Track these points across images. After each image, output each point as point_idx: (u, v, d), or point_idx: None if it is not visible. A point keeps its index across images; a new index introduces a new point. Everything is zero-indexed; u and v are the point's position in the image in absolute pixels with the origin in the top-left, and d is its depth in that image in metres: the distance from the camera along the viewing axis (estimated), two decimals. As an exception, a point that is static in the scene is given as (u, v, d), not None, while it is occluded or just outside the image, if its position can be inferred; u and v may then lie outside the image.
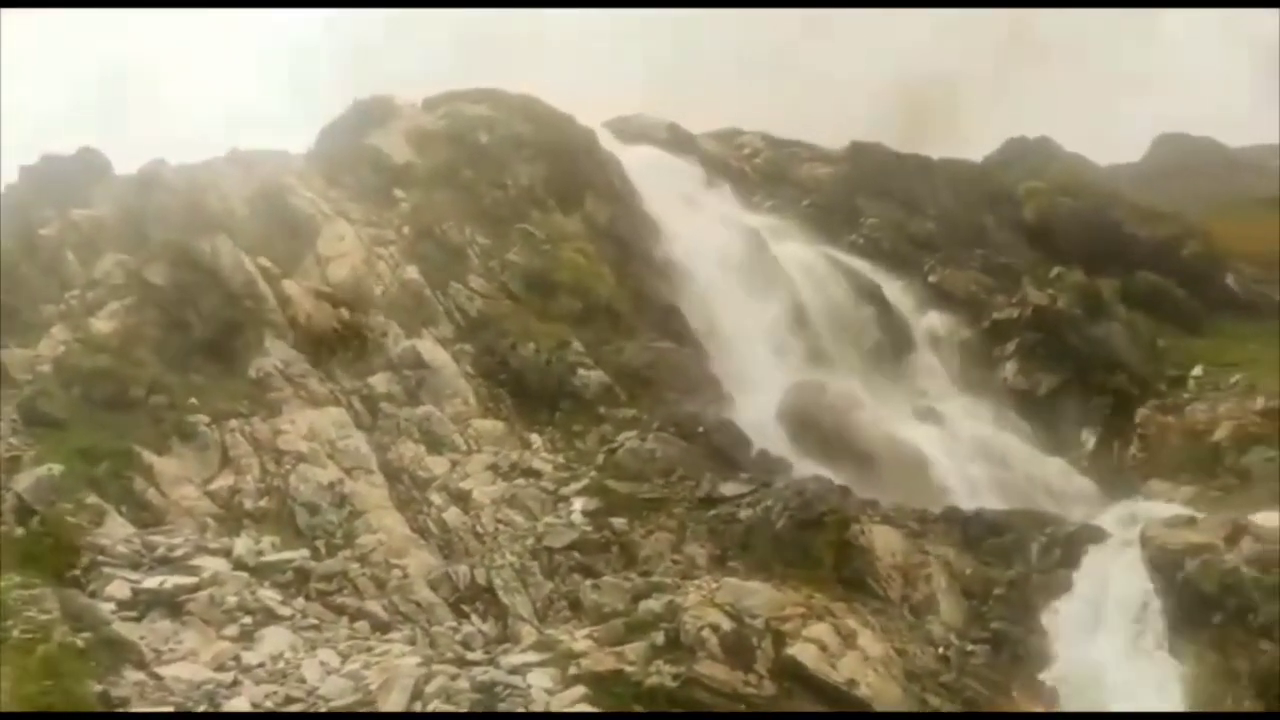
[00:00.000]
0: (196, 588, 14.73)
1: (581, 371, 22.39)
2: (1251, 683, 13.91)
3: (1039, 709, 14.89)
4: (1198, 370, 24.32)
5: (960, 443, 24.13)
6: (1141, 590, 15.65)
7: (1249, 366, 23.80)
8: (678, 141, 31.79)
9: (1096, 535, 17.29)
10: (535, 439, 20.84)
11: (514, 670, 13.64)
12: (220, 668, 13.75)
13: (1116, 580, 16.00)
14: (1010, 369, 25.94)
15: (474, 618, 15.68)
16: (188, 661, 13.70)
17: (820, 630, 14.33)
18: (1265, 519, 16.41)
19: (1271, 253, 34.84)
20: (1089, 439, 24.45)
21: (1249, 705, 13.78)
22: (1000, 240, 29.48)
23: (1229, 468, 21.34)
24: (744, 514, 17.80)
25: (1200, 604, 15.02)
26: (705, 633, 14.06)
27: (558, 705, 12.98)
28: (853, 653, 14.07)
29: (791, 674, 13.65)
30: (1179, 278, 26.95)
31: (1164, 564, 15.55)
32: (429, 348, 21.51)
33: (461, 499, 18.32)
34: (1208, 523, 16.28)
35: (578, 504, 18.37)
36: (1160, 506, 18.78)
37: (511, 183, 25.98)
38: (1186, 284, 26.86)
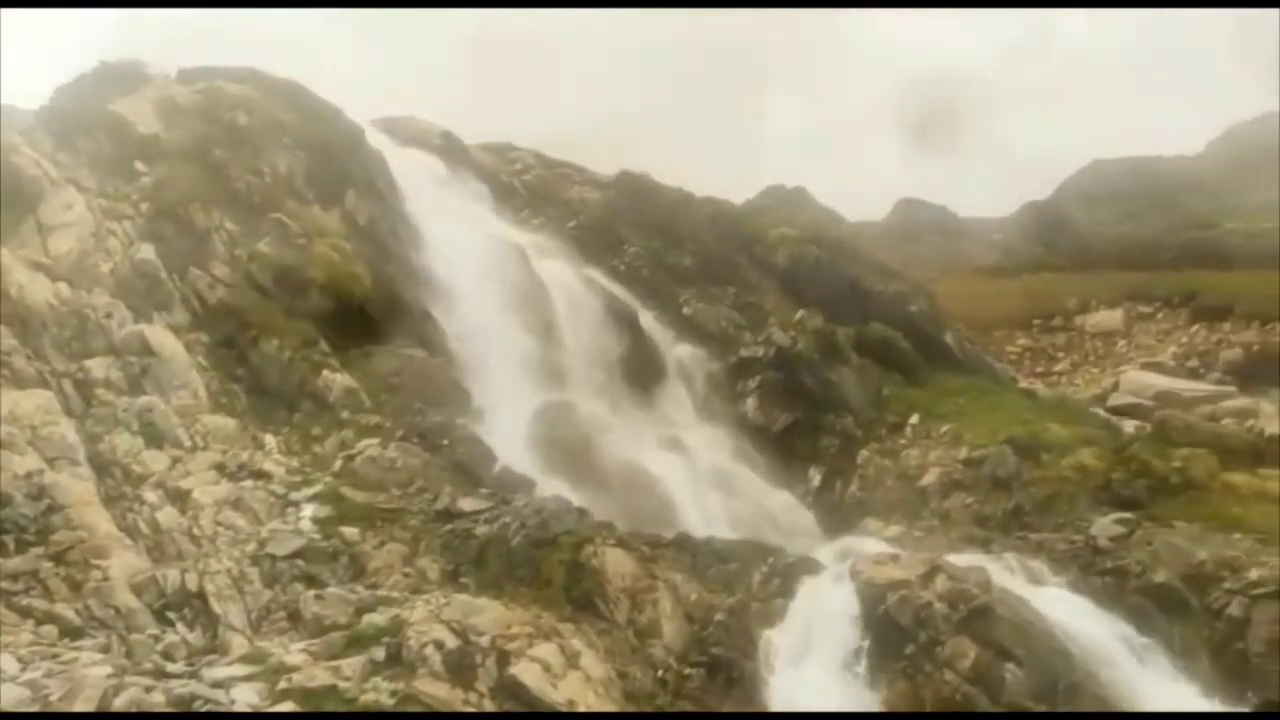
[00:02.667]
0: None
1: (326, 373, 21.61)
2: (934, 709, 15.07)
3: (747, 732, 15.49)
4: (915, 419, 26.24)
5: (699, 472, 24.96)
6: (848, 621, 16.61)
7: (958, 418, 25.92)
8: (450, 149, 31.42)
9: (813, 567, 18.25)
10: (269, 440, 19.88)
11: (217, 684, 12.86)
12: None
13: (827, 611, 16.92)
14: (751, 404, 27.12)
15: (180, 626, 14.68)
16: None
17: (545, 650, 14.36)
18: (959, 559, 17.91)
19: (984, 316, 38.35)
20: (815, 476, 25.89)
21: (930, 731, 14.93)
22: (751, 280, 30.88)
23: (933, 510, 23.16)
24: (481, 530, 17.64)
25: (897, 635, 16.14)
26: (428, 649, 13.79)
27: (263, 722, 12.34)
28: (575, 673, 14.17)
29: (512, 693, 13.59)
30: (905, 331, 29.03)
31: (869, 597, 16.62)
32: (158, 334, 20.14)
33: (179, 498, 17.18)
34: (909, 560, 17.54)
35: (308, 510, 17.64)
36: (871, 543, 20.02)
37: (268, 170, 24.81)
38: (911, 338, 28.95)
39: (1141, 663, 16.21)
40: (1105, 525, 20.04)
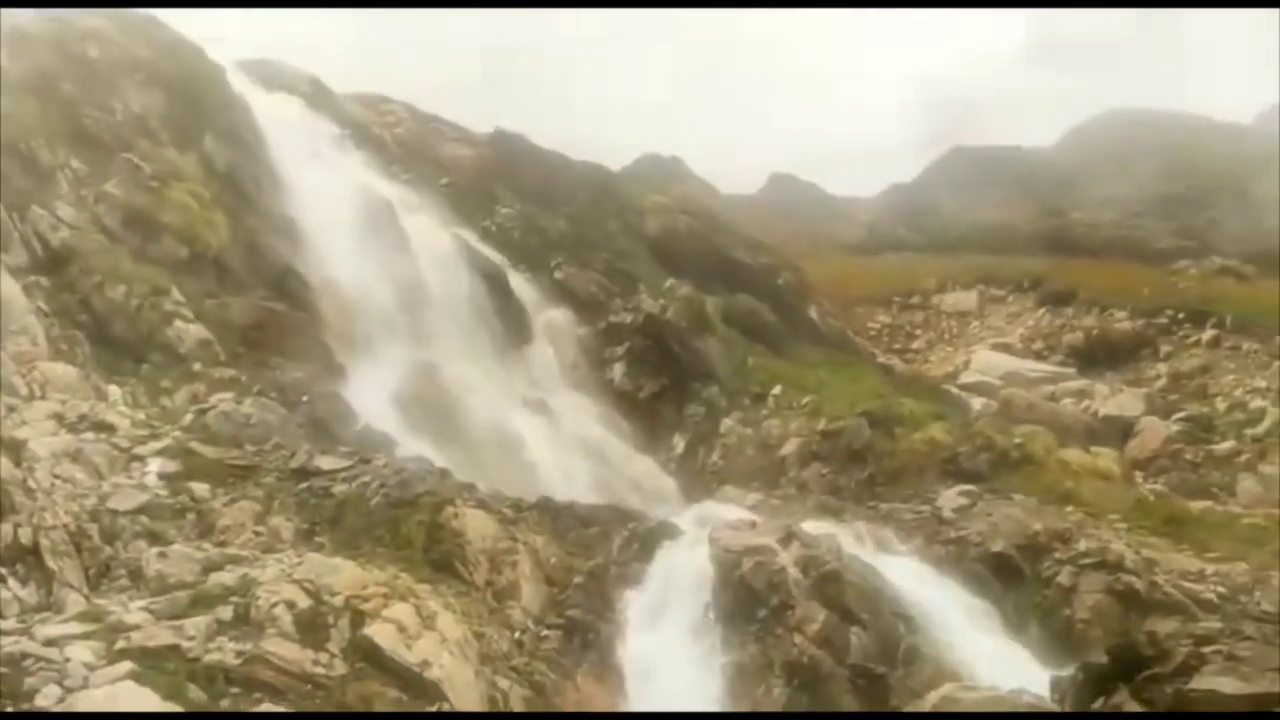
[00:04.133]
0: None
1: (178, 323, 20.76)
2: (782, 671, 15.54)
3: (603, 692, 15.69)
4: (777, 390, 26.86)
5: (564, 436, 25.01)
6: (704, 585, 16.94)
7: (818, 390, 26.67)
8: (318, 97, 30.41)
9: (672, 532, 18.53)
10: (114, 391, 19.00)
11: (50, 642, 12.26)
12: None
13: (684, 575, 17.22)
14: (618, 370, 27.28)
15: (11, 582, 13.92)
16: None
17: (401, 611, 14.17)
18: (813, 527, 18.46)
19: (848, 293, 39.41)
20: (679, 443, 26.26)
21: (779, 691, 15.38)
22: (623, 247, 30.96)
23: (791, 479, 23.82)
24: (339, 489, 17.26)
25: (751, 599, 16.54)
26: (278, 609, 13.44)
27: (98, 681, 11.83)
28: (431, 634, 14.04)
29: (365, 654, 13.39)
30: (772, 304, 29.64)
31: (725, 562, 16.97)
32: (-6, 275, 18.94)
33: (14, 449, 16.23)
34: (765, 527, 17.99)
35: (154, 465, 16.92)
36: (730, 510, 20.46)
37: (120, 107, 23.54)
38: (777, 310, 29.60)
39: (976, 627, 17.04)
40: (950, 497, 20.98)
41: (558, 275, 29.07)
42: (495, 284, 27.11)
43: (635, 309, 27.83)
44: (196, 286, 21.90)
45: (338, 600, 13.90)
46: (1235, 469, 27.40)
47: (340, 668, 13.19)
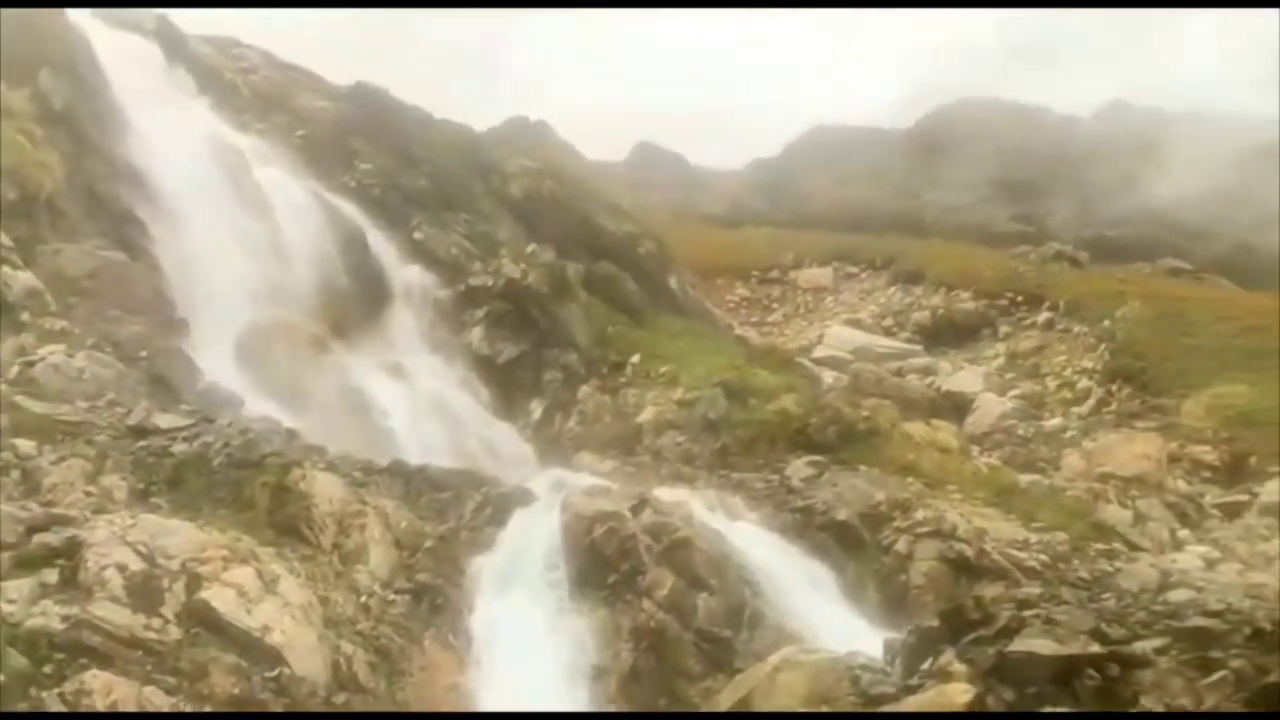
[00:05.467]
0: None
1: (6, 270, 19.50)
2: (630, 635, 15.78)
3: (450, 657, 15.62)
4: (636, 358, 27.08)
5: (420, 399, 24.62)
6: (555, 551, 17.02)
7: (676, 360, 26.99)
8: (166, 37, 28.84)
9: (526, 498, 18.52)
10: (-71, 340, 17.75)
11: None
12: None
13: (536, 540, 17.25)
14: (477, 334, 27.01)
15: None
16: None
17: (241, 574, 13.76)
18: (665, 494, 18.76)
19: (708, 264, 39.96)
20: (537, 409, 26.23)
21: (626, 654, 15.62)
22: (486, 209, 30.56)
23: (646, 447, 24.09)
24: (178, 448, 16.56)
25: (602, 565, 16.71)
26: (109, 572, 12.87)
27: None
28: (272, 599, 13.69)
29: (201, 619, 12.96)
30: (633, 273, 29.78)
31: (577, 528, 17.08)
32: None
33: None
34: (618, 494, 18.17)
35: (-26, 420, 15.93)
36: (585, 477, 20.57)
37: (-57, 36, 21.84)
38: (639, 279, 29.76)
39: (818, 592, 17.65)
40: (799, 467, 21.63)
41: (417, 235, 28.49)
42: (352, 242, 26.40)
43: (496, 273, 27.56)
44: (27, 231, 20.61)
45: (173, 564, 13.40)
46: (1061, 444, 29.07)
47: (175, 633, 12.75)
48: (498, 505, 18.06)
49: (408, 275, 27.56)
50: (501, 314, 27.01)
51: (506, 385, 26.46)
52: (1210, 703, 11.37)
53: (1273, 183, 52.10)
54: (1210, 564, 21.80)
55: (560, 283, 27.83)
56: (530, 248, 28.66)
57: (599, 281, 28.91)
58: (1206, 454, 27.52)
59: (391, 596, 15.57)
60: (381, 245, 27.43)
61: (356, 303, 25.99)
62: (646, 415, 24.99)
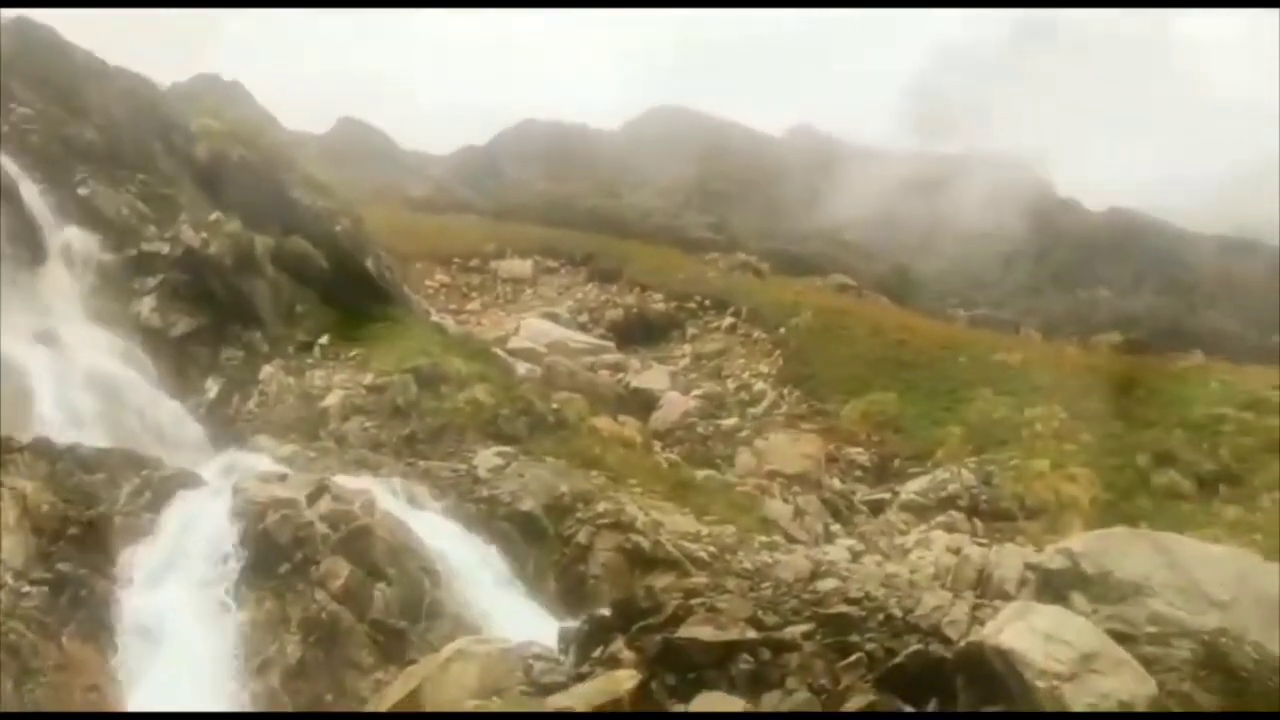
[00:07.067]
0: None
1: None
2: (299, 627, 15.12)
3: (93, 652, 14.33)
4: (325, 339, 26.03)
5: (75, 371, 22.39)
6: (223, 538, 16.03)
7: (368, 343, 26.20)
8: None
9: (192, 481, 17.35)
10: None
11: None
12: None
13: (201, 527, 16.18)
14: (148, 304, 24.95)
15: None
16: None
17: None
18: (348, 481, 18.16)
19: (408, 248, 39.17)
20: (213, 388, 24.56)
21: (293, 647, 14.95)
22: (166, 170, 28.21)
23: (330, 432, 23.21)
24: None
25: (274, 554, 15.91)
26: None
27: None
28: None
29: None
30: (327, 251, 28.48)
31: (249, 515, 16.18)
32: None
33: None
34: (296, 480, 17.40)
35: None
36: (261, 461, 19.54)
37: None
38: (332, 258, 28.50)
39: (498, 582, 17.72)
40: (487, 457, 21.64)
41: (82, 192, 25.82)
42: (4, 194, 23.56)
43: (174, 240, 25.53)
44: None
45: None
46: (736, 443, 30.92)
47: None
48: (158, 489, 16.82)
49: (68, 234, 24.94)
50: (177, 284, 25.08)
51: (180, 361, 24.58)
52: (845, 682, 12.49)
53: (924, 213, 58.32)
54: (855, 555, 23.94)
55: (246, 255, 26.18)
56: (214, 215, 26.74)
57: (289, 257, 27.44)
58: (859, 455, 30.26)
59: (26, 588, 14.07)
60: (36, 198, 24.66)
61: (6, 262, 23.22)
62: (333, 399, 24.09)
